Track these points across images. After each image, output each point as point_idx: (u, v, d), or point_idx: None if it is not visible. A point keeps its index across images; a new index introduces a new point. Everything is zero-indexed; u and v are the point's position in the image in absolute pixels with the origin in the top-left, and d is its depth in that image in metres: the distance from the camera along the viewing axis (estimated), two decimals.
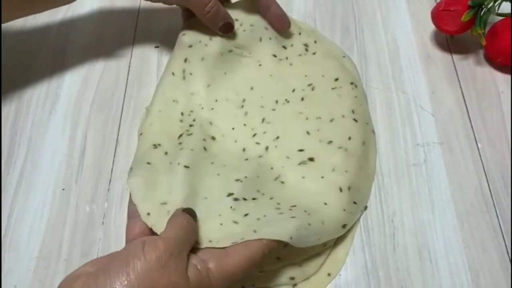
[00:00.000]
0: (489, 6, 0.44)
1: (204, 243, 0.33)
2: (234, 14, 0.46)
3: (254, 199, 0.36)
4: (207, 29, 0.45)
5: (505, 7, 0.45)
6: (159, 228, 0.34)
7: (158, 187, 0.36)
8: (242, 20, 0.46)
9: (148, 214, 0.35)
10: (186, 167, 0.37)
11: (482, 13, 0.44)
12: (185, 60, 0.43)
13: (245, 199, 0.36)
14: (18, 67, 0.48)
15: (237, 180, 0.37)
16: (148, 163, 0.37)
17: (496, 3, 0.44)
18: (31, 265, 0.37)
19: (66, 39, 0.50)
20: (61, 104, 0.46)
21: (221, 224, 0.34)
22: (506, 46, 0.44)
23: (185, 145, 0.39)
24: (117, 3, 0.53)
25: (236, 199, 0.35)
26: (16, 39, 0.50)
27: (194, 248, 0.33)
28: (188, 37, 0.44)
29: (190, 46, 0.44)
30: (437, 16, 0.46)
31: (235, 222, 0.34)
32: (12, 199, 0.40)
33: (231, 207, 0.35)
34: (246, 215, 0.35)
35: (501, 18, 0.45)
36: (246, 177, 0.37)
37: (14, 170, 0.42)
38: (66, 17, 0.52)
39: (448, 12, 0.44)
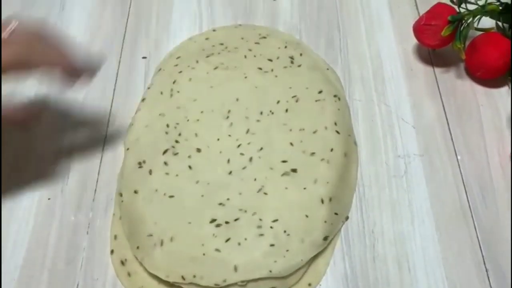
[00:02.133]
0: (468, 21, 0.45)
1: (189, 278, 0.35)
2: (219, 39, 0.49)
3: (236, 219, 0.37)
4: (194, 55, 0.47)
5: (484, 22, 0.47)
6: (148, 261, 0.36)
7: (144, 219, 0.38)
8: (227, 44, 0.48)
9: (138, 248, 0.37)
10: (171, 196, 0.39)
11: (461, 28, 0.45)
12: (174, 82, 0.46)
13: (227, 222, 0.37)
14: None
15: (220, 204, 0.38)
16: (135, 191, 0.39)
17: (475, 19, 0.45)
18: (15, 274, 0.37)
19: None
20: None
21: (204, 255, 0.36)
22: (485, 60, 0.45)
23: (171, 168, 0.40)
24: (105, 14, 0.53)
25: (218, 225, 0.37)
26: None
27: (179, 282, 0.36)
28: (178, 65, 0.47)
29: (180, 72, 0.46)
30: (418, 30, 0.47)
31: (217, 250, 0.36)
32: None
33: (213, 234, 0.37)
34: (228, 240, 0.36)
35: (480, 33, 0.47)
36: (228, 199, 0.38)
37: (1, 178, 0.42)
38: (57, 22, 0.52)
39: (429, 27, 0.45)
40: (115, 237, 0.39)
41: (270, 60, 0.47)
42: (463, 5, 0.45)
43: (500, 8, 0.45)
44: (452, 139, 0.44)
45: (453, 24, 0.44)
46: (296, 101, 0.44)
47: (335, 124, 0.42)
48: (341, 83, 0.47)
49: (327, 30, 0.51)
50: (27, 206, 0.41)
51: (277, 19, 0.52)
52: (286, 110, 0.43)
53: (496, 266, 0.37)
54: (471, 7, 0.45)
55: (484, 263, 0.38)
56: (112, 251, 0.38)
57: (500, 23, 0.47)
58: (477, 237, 0.39)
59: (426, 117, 0.45)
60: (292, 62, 0.47)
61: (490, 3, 0.45)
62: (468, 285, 0.37)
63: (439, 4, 0.46)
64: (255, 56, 0.47)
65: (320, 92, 0.44)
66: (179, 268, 0.36)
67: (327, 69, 0.48)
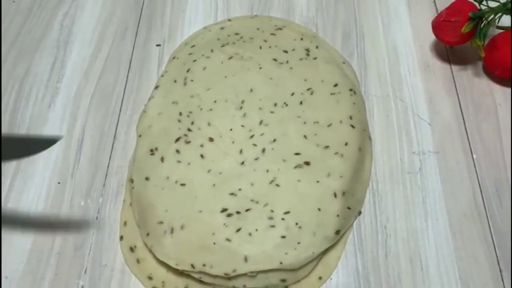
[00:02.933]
0: (489, 19, 0.44)
1: (199, 267, 0.35)
2: (235, 29, 0.49)
3: (247, 210, 0.37)
4: (209, 44, 0.47)
5: (505, 20, 0.46)
6: (158, 248, 0.36)
7: (156, 206, 0.37)
8: (243, 34, 0.48)
9: (148, 234, 0.37)
10: (183, 184, 0.38)
11: (482, 25, 0.44)
12: (188, 71, 0.45)
13: (238, 212, 0.37)
14: (20, 59, 0.48)
15: (231, 194, 0.38)
16: (147, 178, 0.39)
17: (497, 16, 0.44)
18: (23, 257, 0.37)
19: (69, 32, 0.50)
20: (61, 98, 0.46)
21: (214, 244, 0.35)
22: (504, 58, 0.44)
23: (183, 156, 0.40)
24: (120, 1, 0.53)
25: (229, 215, 0.37)
26: (18, 31, 0.50)
27: (188, 271, 0.35)
28: (193, 54, 0.47)
29: (195, 61, 0.46)
30: (437, 26, 0.46)
31: (228, 240, 0.35)
32: (8, 191, 0.40)
33: (224, 223, 0.36)
34: (238, 230, 0.36)
35: (501, 31, 0.46)
36: (240, 189, 0.38)
37: (10, 163, 0.42)
38: (70, 11, 0.52)
39: (449, 23, 0.45)
40: (125, 223, 0.39)
41: (286, 51, 0.47)
42: (484, 2, 0.44)
43: None
44: (468, 138, 0.43)
45: (473, 21, 0.44)
46: (311, 93, 0.44)
47: (350, 118, 0.42)
48: (357, 78, 0.47)
49: (343, 24, 0.51)
50: (37, 189, 0.40)
51: (293, 12, 0.52)
52: (301, 103, 0.43)
53: (510, 267, 0.37)
54: (492, 4, 0.44)
55: (499, 264, 0.37)
56: (121, 237, 0.38)
57: None
58: (492, 237, 0.38)
59: (442, 115, 0.45)
60: (307, 55, 0.46)
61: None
62: (481, 285, 0.36)
63: (459, 0, 0.46)
64: (270, 47, 0.47)
65: (335, 85, 0.44)
66: (189, 257, 0.35)
67: (343, 62, 0.47)
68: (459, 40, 0.45)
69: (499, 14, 0.44)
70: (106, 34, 0.50)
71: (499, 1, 0.44)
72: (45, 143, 0.36)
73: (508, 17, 0.45)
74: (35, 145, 0.36)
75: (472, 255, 0.37)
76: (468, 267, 0.37)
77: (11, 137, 0.36)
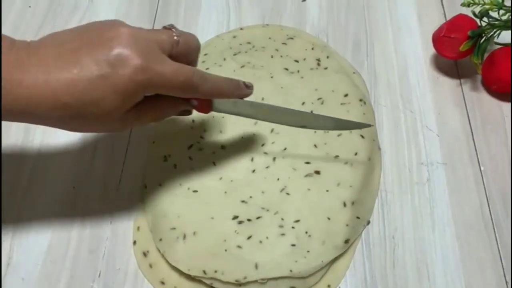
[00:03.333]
0: (489, 36, 0.44)
1: (210, 273, 0.36)
2: (247, 37, 0.49)
3: (258, 217, 0.38)
4: (221, 52, 0.48)
5: (504, 36, 0.46)
6: (170, 254, 0.37)
7: (168, 212, 0.38)
8: (254, 43, 0.49)
9: (160, 240, 0.38)
10: (195, 191, 0.39)
11: (481, 41, 0.44)
12: None
13: (249, 219, 0.38)
14: None
15: (243, 201, 0.39)
16: (160, 184, 0.40)
17: (496, 33, 0.45)
18: (39, 260, 0.38)
19: None
20: None
21: (226, 251, 0.36)
22: (501, 74, 0.44)
23: (195, 163, 0.41)
24: (133, 8, 0.54)
25: (240, 222, 0.38)
26: (34, 36, 0.51)
27: (200, 276, 0.36)
28: (205, 62, 0.47)
29: (207, 69, 0.46)
30: (437, 41, 0.46)
31: (239, 247, 0.36)
32: (23, 195, 0.41)
33: (235, 231, 0.37)
34: (249, 237, 0.37)
35: (499, 46, 0.46)
36: (251, 197, 0.39)
37: (26, 166, 0.43)
38: (84, 17, 0.53)
39: (448, 39, 0.45)
40: (138, 228, 0.40)
41: (297, 61, 0.47)
42: (484, 18, 0.44)
43: None
44: (476, 150, 0.44)
45: (472, 39, 0.44)
46: (322, 103, 0.44)
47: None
48: (366, 88, 0.47)
49: (354, 34, 0.52)
50: (52, 194, 0.41)
51: (304, 21, 0.53)
52: (311, 112, 0.44)
53: None
54: (493, 18, 0.44)
55: (505, 276, 0.37)
56: (134, 242, 0.39)
57: None
58: (498, 249, 0.39)
59: (451, 126, 0.45)
60: (318, 64, 0.47)
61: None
62: None
63: (460, 15, 0.46)
64: (281, 56, 0.48)
65: (346, 95, 0.45)
66: (201, 263, 0.36)
67: (354, 73, 0.48)
68: (458, 55, 0.45)
69: (498, 31, 0.44)
70: None
71: (500, 19, 0.44)
72: (356, 125, 0.40)
73: (507, 32, 0.45)
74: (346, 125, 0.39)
75: (478, 266, 0.38)
76: (474, 278, 0.37)
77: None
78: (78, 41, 0.30)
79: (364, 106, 0.44)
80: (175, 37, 0.32)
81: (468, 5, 0.43)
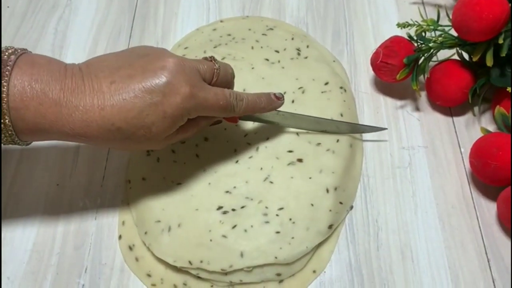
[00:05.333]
0: (426, 56, 0.43)
1: (196, 263, 0.36)
2: (227, 29, 0.50)
3: (242, 207, 0.38)
4: (201, 45, 0.48)
5: (441, 55, 0.45)
6: (155, 246, 0.37)
7: (152, 205, 0.38)
8: (235, 35, 0.49)
9: (145, 233, 0.38)
10: (179, 184, 0.39)
11: (420, 62, 0.43)
12: None
13: (233, 209, 0.38)
14: None
15: (227, 191, 0.39)
16: (143, 178, 0.40)
17: (433, 53, 0.43)
18: (24, 258, 0.38)
19: (63, 36, 0.51)
20: None
21: (211, 241, 0.36)
22: (442, 90, 0.43)
23: (178, 156, 0.41)
24: (113, 5, 0.54)
25: (225, 212, 0.38)
26: (13, 36, 0.51)
27: (186, 267, 0.36)
28: (186, 55, 0.47)
29: None
30: (375, 66, 0.45)
31: (224, 237, 0.37)
32: (7, 194, 0.41)
33: (220, 221, 0.37)
34: (234, 227, 0.37)
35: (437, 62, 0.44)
36: (235, 187, 0.39)
37: (9, 165, 0.42)
38: (63, 15, 0.53)
39: (385, 64, 0.44)
40: (123, 223, 0.40)
41: (277, 51, 0.48)
42: (419, 40, 0.43)
43: (458, 42, 0.42)
44: (456, 132, 0.44)
45: (408, 66, 0.43)
46: (303, 92, 0.45)
47: (341, 115, 0.43)
48: (347, 75, 0.48)
49: (333, 23, 0.52)
50: (36, 192, 0.41)
51: (284, 12, 0.53)
52: (293, 101, 0.44)
53: (497, 256, 0.38)
54: (428, 39, 0.43)
55: (486, 253, 0.38)
56: (120, 237, 0.39)
57: (460, 50, 0.44)
58: (480, 228, 0.39)
59: (431, 110, 0.46)
60: (299, 54, 0.47)
61: (447, 39, 0.42)
62: (470, 274, 0.37)
63: (396, 38, 0.44)
64: (262, 47, 0.48)
65: (326, 83, 0.45)
66: (186, 254, 0.36)
67: (334, 61, 0.48)
68: (397, 80, 0.44)
69: (434, 50, 0.43)
70: (100, 37, 0.51)
71: (435, 41, 0.42)
72: (370, 129, 0.43)
73: (444, 50, 0.43)
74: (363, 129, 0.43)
75: (460, 245, 0.39)
76: (457, 257, 0.38)
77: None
78: (129, 68, 0.32)
79: (344, 93, 0.45)
80: (216, 70, 0.35)
81: (404, 27, 0.43)
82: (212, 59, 0.36)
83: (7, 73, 0.30)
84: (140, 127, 0.32)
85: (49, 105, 0.30)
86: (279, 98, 0.39)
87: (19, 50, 0.31)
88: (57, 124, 0.31)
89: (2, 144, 0.32)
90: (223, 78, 0.36)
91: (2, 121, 0.30)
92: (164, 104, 0.32)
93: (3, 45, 0.32)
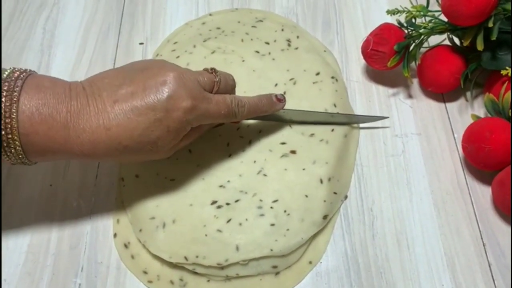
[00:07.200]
0: (417, 42, 0.43)
1: (191, 259, 0.36)
2: (216, 23, 0.49)
3: (237, 201, 0.38)
4: (191, 39, 0.47)
5: (432, 41, 0.45)
6: (151, 243, 0.37)
7: (146, 203, 0.38)
8: (224, 28, 0.49)
9: (140, 230, 0.38)
10: (172, 180, 0.39)
11: (410, 49, 0.43)
12: None
13: (228, 203, 0.38)
14: (4, 65, 0.49)
15: (221, 186, 0.39)
16: (137, 176, 0.40)
17: (424, 39, 0.43)
18: (20, 259, 0.38)
19: (52, 36, 0.51)
20: None
21: (206, 235, 0.36)
22: (433, 76, 0.43)
23: None
24: (101, 1, 0.53)
25: (219, 207, 0.38)
26: (2, 36, 0.50)
27: (182, 263, 0.36)
28: (176, 50, 0.47)
29: (178, 57, 0.46)
30: (366, 55, 0.44)
31: (219, 231, 0.36)
32: (1, 195, 0.41)
33: (214, 215, 0.37)
34: (229, 221, 0.37)
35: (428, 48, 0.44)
36: (229, 181, 0.39)
37: (2, 166, 0.42)
38: (51, 14, 0.52)
39: (376, 52, 0.43)
40: (118, 221, 0.40)
41: (267, 43, 0.47)
42: (410, 26, 0.43)
43: (449, 27, 0.42)
44: (449, 118, 0.44)
45: (399, 53, 0.43)
46: (294, 83, 0.44)
47: (334, 105, 0.43)
48: (338, 65, 0.48)
49: (323, 12, 0.51)
50: (29, 193, 0.41)
51: (273, 3, 0.52)
52: (284, 93, 0.44)
53: (493, 241, 0.38)
54: (419, 25, 0.42)
55: (482, 238, 0.38)
56: (115, 235, 0.39)
57: (450, 36, 0.44)
58: (475, 213, 0.39)
59: (423, 97, 0.46)
60: (289, 45, 0.47)
61: (437, 24, 0.42)
62: (466, 259, 0.37)
63: (386, 25, 0.43)
64: (252, 39, 0.47)
65: (317, 74, 0.45)
66: (182, 249, 0.36)
67: (324, 51, 0.48)
68: (389, 68, 0.44)
69: (424, 36, 0.42)
70: (89, 35, 0.51)
71: (426, 27, 0.42)
72: (369, 119, 0.43)
73: (435, 36, 0.43)
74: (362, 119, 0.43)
75: (456, 231, 0.39)
76: (452, 243, 0.38)
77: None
78: (131, 85, 0.33)
79: (336, 83, 0.45)
80: (217, 82, 0.36)
81: (394, 13, 0.42)
82: (213, 71, 0.36)
83: (15, 99, 0.30)
84: (146, 143, 0.33)
85: (57, 129, 0.31)
86: (281, 100, 0.39)
87: (24, 74, 0.32)
88: (66, 146, 0.32)
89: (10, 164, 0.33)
90: (223, 89, 0.37)
91: (12, 146, 0.31)
92: (167, 119, 0.33)
93: (8, 66, 0.33)
